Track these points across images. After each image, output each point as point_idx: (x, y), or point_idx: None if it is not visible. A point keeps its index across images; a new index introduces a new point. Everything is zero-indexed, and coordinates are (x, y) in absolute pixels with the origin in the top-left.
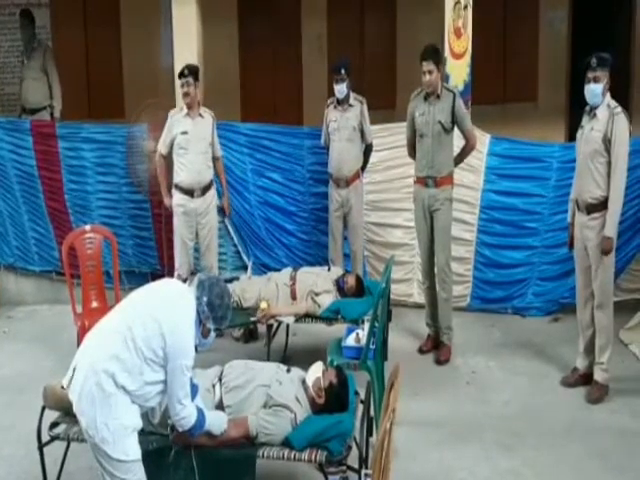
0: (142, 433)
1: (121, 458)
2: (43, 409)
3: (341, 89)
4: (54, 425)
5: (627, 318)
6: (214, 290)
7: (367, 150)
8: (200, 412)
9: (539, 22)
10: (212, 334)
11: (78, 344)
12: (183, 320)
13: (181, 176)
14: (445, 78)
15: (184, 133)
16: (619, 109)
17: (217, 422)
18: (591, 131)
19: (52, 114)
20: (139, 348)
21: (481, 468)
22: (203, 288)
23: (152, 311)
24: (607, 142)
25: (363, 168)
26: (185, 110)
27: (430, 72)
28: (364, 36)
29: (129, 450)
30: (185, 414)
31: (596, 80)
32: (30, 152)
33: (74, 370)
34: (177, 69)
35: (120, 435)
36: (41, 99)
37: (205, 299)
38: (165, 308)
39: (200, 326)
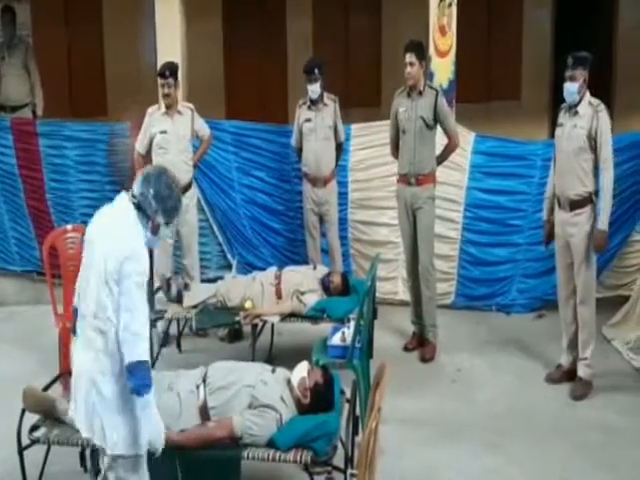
0: None
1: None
2: (23, 412)
3: (315, 89)
4: (34, 428)
5: (610, 315)
6: (161, 181)
7: (338, 148)
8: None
9: (523, 21)
10: (163, 230)
11: (59, 345)
12: (121, 239)
13: None
14: (430, 76)
15: (163, 132)
16: (602, 106)
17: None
18: (574, 128)
19: (34, 112)
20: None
21: (467, 466)
22: (148, 181)
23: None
24: (592, 139)
25: (335, 166)
26: (164, 108)
27: (412, 64)
28: (349, 34)
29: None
30: (134, 344)
31: (572, 79)
32: (10, 150)
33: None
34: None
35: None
36: (22, 96)
37: (152, 192)
38: (104, 248)
39: (148, 223)
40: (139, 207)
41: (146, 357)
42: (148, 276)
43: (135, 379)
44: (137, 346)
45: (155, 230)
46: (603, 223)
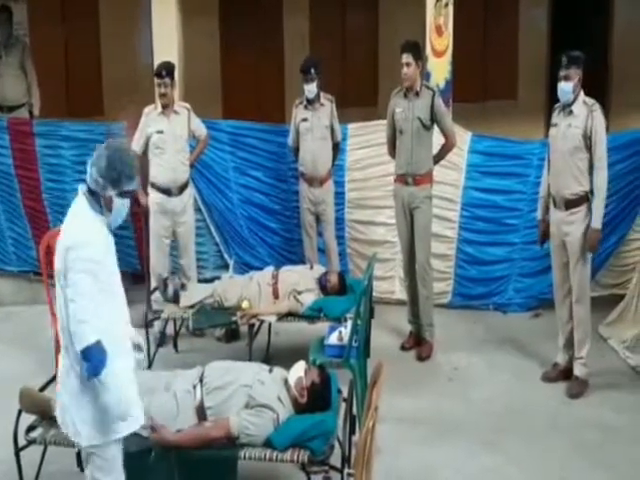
0: None
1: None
2: (20, 412)
3: (311, 89)
4: (31, 429)
5: (606, 313)
6: (101, 157)
7: (335, 148)
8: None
9: (519, 21)
10: (119, 203)
11: (56, 346)
12: (64, 233)
13: (157, 175)
14: (426, 76)
15: (159, 132)
16: (596, 105)
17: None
18: (569, 128)
19: (31, 112)
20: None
21: (465, 465)
22: (92, 164)
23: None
24: (587, 138)
25: (332, 166)
26: (160, 108)
27: (408, 64)
28: (346, 34)
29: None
30: (82, 332)
31: (567, 78)
32: (7, 150)
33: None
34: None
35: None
36: (19, 96)
37: (95, 170)
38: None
39: (101, 200)
40: (91, 192)
41: (94, 338)
42: (101, 262)
43: (89, 364)
44: (84, 332)
45: (109, 205)
46: (597, 222)
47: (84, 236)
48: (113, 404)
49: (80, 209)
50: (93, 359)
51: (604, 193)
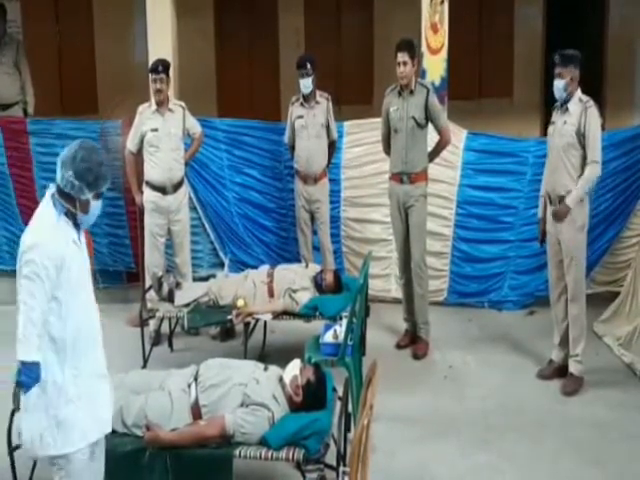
0: (115, 435)
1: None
2: (13, 412)
3: (306, 83)
4: None
5: (601, 310)
6: (76, 159)
7: (331, 146)
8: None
9: (514, 18)
10: (95, 205)
11: None
12: (29, 229)
13: (152, 173)
14: (422, 73)
15: (154, 130)
16: (591, 102)
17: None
18: (564, 125)
19: (25, 110)
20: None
21: (459, 463)
22: (65, 165)
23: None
24: (581, 135)
25: (327, 165)
26: (154, 106)
27: (404, 63)
28: (341, 31)
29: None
30: (18, 344)
31: (560, 76)
32: (1, 149)
33: None
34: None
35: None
36: (14, 95)
37: (70, 173)
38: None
39: (76, 204)
40: (62, 193)
41: (34, 357)
42: (61, 265)
43: (25, 377)
44: (28, 347)
45: (85, 207)
46: (571, 200)
47: (40, 239)
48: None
49: (44, 211)
50: (30, 375)
51: (588, 185)
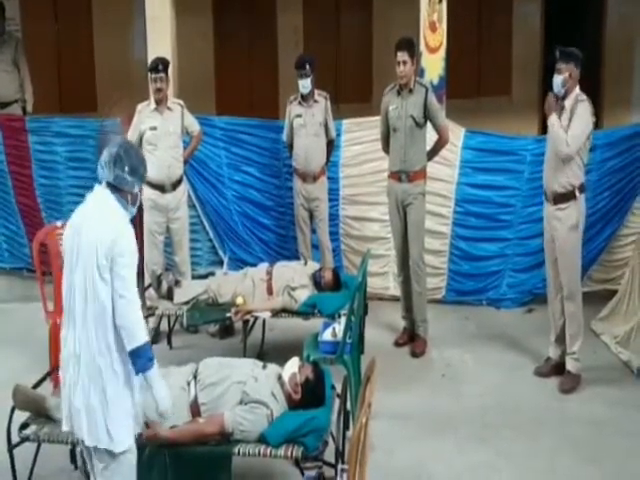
0: None
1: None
2: (13, 410)
3: (305, 84)
4: (24, 426)
5: (599, 308)
6: (131, 154)
7: (329, 145)
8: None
9: (512, 17)
10: (139, 195)
11: (50, 342)
12: (108, 225)
13: (151, 172)
14: (420, 72)
15: (153, 129)
16: (583, 97)
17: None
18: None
19: (24, 108)
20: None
21: (457, 461)
22: (120, 160)
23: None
24: (568, 128)
25: (326, 163)
26: (153, 105)
27: (404, 62)
28: (340, 30)
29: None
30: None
31: (558, 71)
32: None
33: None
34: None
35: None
36: (12, 92)
37: (127, 169)
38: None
39: (128, 198)
40: (117, 189)
41: (144, 339)
42: (138, 258)
43: (139, 361)
44: (136, 332)
45: (135, 200)
46: (552, 121)
47: (127, 229)
48: (160, 399)
49: (110, 204)
50: (143, 357)
51: (555, 135)
